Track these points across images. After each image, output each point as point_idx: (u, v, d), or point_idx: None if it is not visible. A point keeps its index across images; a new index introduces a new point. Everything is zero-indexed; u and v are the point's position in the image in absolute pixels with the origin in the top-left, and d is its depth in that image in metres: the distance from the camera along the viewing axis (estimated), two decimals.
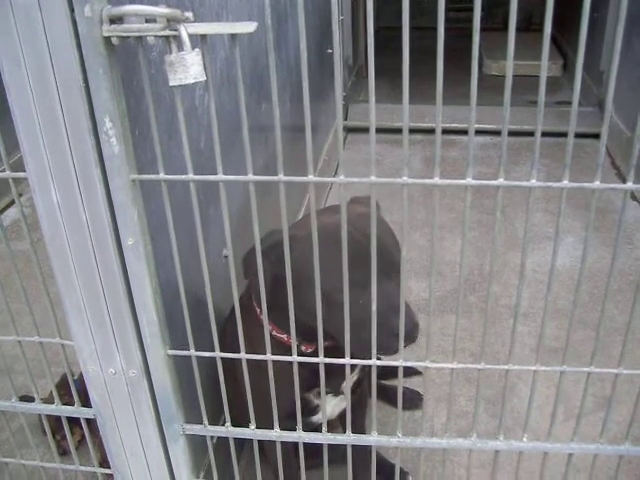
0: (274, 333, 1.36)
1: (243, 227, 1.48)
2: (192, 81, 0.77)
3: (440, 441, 1.06)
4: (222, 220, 1.24)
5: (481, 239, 2.74)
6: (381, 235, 1.17)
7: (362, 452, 1.48)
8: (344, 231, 0.88)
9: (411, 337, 1.18)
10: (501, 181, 0.85)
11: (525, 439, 1.05)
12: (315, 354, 1.02)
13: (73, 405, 1.15)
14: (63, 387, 1.35)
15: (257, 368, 1.05)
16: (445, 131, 2.57)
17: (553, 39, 4.45)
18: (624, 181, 0.85)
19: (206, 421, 1.10)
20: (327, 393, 1.44)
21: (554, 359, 1.92)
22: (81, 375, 1.09)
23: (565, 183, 0.85)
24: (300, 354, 1.30)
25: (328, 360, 1.01)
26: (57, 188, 0.90)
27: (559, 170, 0.89)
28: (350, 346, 0.98)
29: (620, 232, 0.89)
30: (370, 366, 1.00)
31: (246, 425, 1.10)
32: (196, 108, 1.28)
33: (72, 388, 1.14)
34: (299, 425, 1.08)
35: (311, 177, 0.86)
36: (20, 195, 1.01)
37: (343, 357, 1.00)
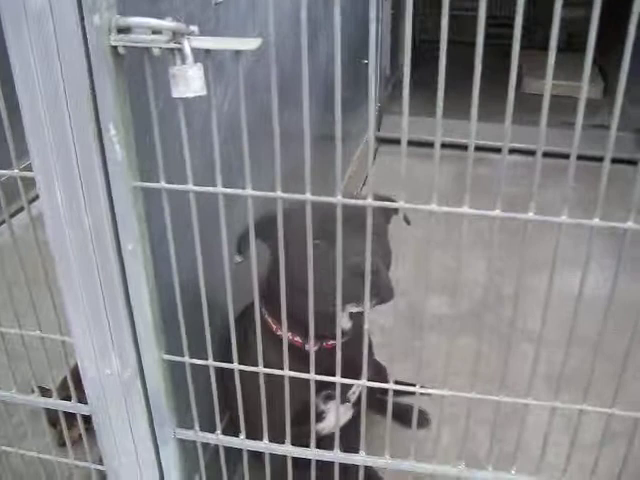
0: (279, 333, 1.36)
1: None
2: (192, 95, 0.78)
3: (427, 466, 1.05)
4: (237, 226, 1.25)
5: (501, 260, 2.71)
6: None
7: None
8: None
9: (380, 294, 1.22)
10: (531, 215, 0.85)
11: (513, 471, 1.04)
12: (321, 353, 1.01)
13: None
14: (73, 380, 1.37)
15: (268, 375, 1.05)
16: (476, 148, 2.56)
17: (594, 60, 4.36)
18: None
19: (197, 427, 1.10)
20: (333, 399, 1.44)
21: (566, 389, 1.88)
22: None
23: (596, 221, 0.84)
24: (306, 354, 1.29)
25: (319, 377, 1.01)
26: (62, 189, 0.92)
27: (589, 194, 0.89)
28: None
29: None
30: (380, 381, 1.01)
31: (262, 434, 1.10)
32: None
33: (70, 383, 1.15)
34: (287, 439, 1.08)
35: (308, 195, 0.87)
36: (34, 200, 1.02)
37: (352, 353, 0.99)
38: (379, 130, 3.86)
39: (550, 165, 3.76)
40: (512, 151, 3.75)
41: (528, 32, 5.26)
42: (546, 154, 0.86)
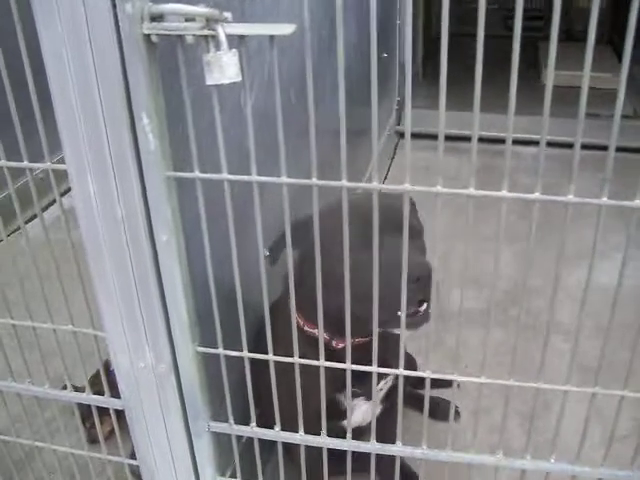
0: (306, 328, 1.36)
1: None
2: (227, 81, 0.78)
3: (465, 456, 1.04)
4: (269, 218, 1.25)
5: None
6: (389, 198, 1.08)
7: (391, 463, 1.46)
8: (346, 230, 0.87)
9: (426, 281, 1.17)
10: (570, 197, 0.84)
11: (553, 460, 1.03)
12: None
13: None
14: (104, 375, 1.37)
15: (291, 369, 1.04)
16: (497, 140, 2.53)
17: (615, 50, 4.34)
18: None
19: (232, 419, 1.10)
20: (359, 396, 1.43)
21: (601, 379, 1.86)
22: None
23: (637, 202, 0.83)
24: (332, 350, 1.29)
25: (355, 367, 1.00)
26: (94, 180, 0.92)
27: (616, 184, 0.88)
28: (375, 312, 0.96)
29: None
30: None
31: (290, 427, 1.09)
32: (243, 107, 1.29)
33: (103, 378, 1.15)
34: (323, 430, 1.07)
35: (344, 182, 0.86)
36: (66, 192, 1.02)
37: (382, 349, 0.98)
38: (399, 124, 3.84)
39: (571, 156, 3.74)
40: (534, 143, 3.69)
41: (545, 23, 5.20)
42: (568, 145, 0.85)
